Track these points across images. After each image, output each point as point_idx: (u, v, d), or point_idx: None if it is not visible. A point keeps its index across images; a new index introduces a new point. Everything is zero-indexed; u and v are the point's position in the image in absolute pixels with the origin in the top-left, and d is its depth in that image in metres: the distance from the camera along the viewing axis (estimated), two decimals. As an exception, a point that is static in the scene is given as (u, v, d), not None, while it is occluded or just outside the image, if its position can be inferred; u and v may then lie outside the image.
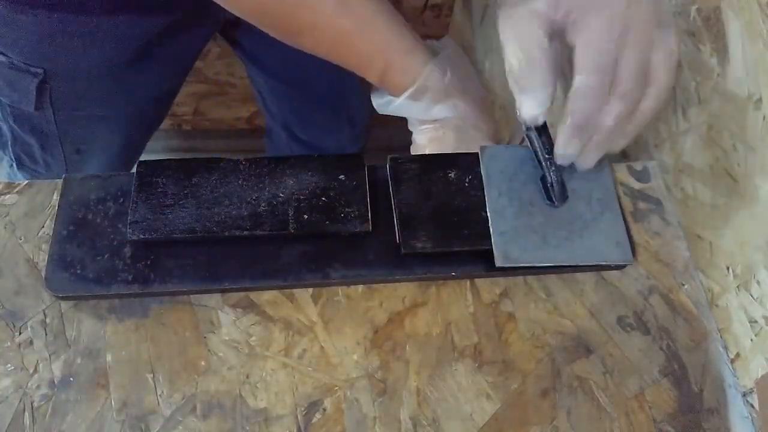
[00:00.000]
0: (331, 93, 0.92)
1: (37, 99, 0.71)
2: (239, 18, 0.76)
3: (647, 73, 0.44)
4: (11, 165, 0.86)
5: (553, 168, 0.49)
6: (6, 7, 0.64)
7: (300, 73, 0.89)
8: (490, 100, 0.60)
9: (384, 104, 0.58)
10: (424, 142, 0.59)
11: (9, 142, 0.81)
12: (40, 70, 0.69)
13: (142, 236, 0.48)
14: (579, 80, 0.43)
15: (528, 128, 0.48)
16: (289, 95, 0.95)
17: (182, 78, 0.85)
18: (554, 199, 0.50)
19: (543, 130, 0.48)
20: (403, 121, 0.61)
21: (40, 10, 0.64)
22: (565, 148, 0.46)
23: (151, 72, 0.75)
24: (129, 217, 0.49)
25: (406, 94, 0.56)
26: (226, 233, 0.49)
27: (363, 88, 0.97)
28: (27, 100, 0.72)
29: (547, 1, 0.43)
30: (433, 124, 0.58)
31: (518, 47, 0.44)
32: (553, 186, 0.50)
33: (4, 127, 0.79)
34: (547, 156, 0.49)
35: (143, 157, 0.81)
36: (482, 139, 0.58)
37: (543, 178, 0.50)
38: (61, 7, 0.64)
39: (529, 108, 0.45)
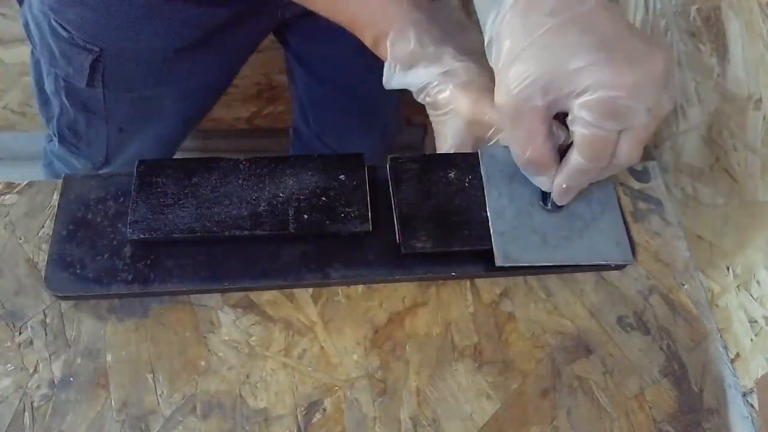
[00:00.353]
0: (369, 102, 0.93)
1: (90, 76, 0.73)
2: (292, 17, 0.77)
3: None
4: (51, 140, 0.88)
5: None
6: None
7: (342, 77, 0.89)
8: (479, 44, 0.57)
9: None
10: (432, 116, 0.55)
11: (56, 116, 0.83)
12: (97, 49, 0.70)
13: (142, 236, 0.48)
14: (577, 161, 0.44)
15: None
16: (328, 102, 0.95)
17: (234, 73, 0.86)
18: (549, 204, 0.50)
19: None
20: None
21: None
22: (560, 201, 0.49)
23: (205, 62, 0.77)
24: (129, 217, 0.49)
25: (385, 69, 0.54)
26: (226, 233, 0.49)
27: (399, 99, 0.97)
28: (80, 76, 0.73)
29: (547, 103, 0.42)
30: (424, 92, 0.54)
31: (525, 141, 0.45)
32: (550, 194, 0.50)
33: (54, 101, 0.81)
34: None
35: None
36: (486, 89, 0.53)
37: None
38: None
39: (540, 185, 0.48)
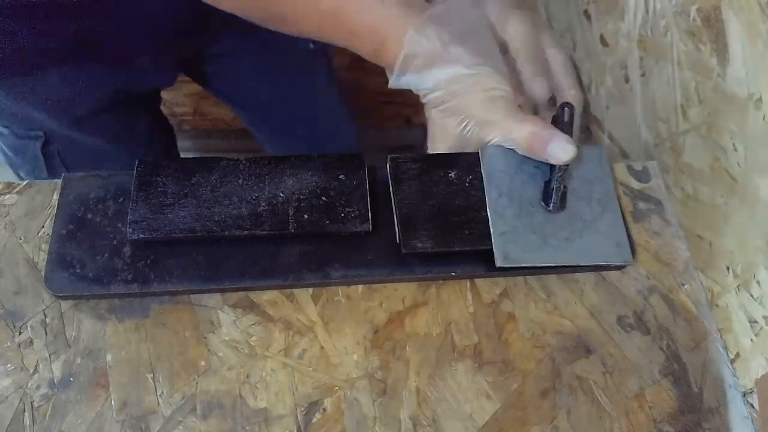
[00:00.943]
0: (319, 133, 0.92)
1: (47, 164, 0.72)
2: (199, 55, 0.77)
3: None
4: None
5: (560, 174, 0.50)
6: None
7: (280, 118, 0.88)
8: (497, 46, 0.56)
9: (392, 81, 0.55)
10: (436, 117, 0.55)
11: None
12: (40, 133, 0.69)
13: (142, 235, 0.48)
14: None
15: None
16: (274, 139, 0.94)
17: (157, 111, 0.86)
18: (551, 204, 0.50)
19: None
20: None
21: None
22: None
23: (133, 114, 0.76)
24: (129, 216, 0.49)
25: (396, 69, 0.53)
26: (226, 233, 0.49)
27: (358, 134, 0.97)
28: (39, 168, 0.72)
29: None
30: (437, 93, 0.53)
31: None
32: (554, 193, 0.50)
33: None
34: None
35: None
36: (500, 92, 0.53)
37: (548, 183, 0.51)
38: (29, 63, 0.64)
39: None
